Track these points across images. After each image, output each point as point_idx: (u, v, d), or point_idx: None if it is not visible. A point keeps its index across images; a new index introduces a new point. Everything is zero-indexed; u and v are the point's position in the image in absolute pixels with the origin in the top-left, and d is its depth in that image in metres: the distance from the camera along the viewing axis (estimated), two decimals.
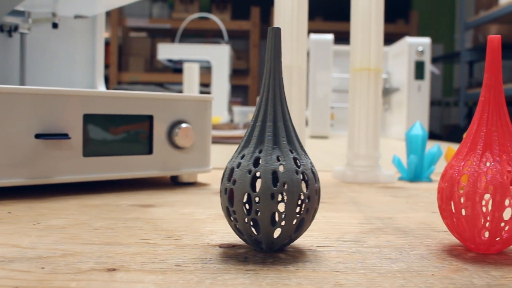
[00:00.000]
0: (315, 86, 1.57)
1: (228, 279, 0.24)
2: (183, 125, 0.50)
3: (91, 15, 0.66)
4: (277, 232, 0.27)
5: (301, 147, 0.28)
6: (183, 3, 3.20)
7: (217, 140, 1.19)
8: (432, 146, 0.63)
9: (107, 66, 3.33)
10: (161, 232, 0.33)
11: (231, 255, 0.28)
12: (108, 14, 3.29)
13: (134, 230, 0.33)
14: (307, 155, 0.29)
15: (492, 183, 0.27)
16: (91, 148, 0.46)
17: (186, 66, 1.61)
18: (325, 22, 3.36)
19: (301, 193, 0.27)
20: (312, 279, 0.24)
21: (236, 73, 3.13)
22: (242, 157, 0.28)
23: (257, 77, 3.26)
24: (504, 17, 2.25)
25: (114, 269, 0.25)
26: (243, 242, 0.30)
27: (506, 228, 0.28)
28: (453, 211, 0.29)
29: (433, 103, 3.36)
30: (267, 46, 0.29)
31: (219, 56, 1.95)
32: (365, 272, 0.25)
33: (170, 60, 2.05)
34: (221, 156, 0.90)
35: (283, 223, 0.27)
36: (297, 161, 0.27)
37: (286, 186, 0.26)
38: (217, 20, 2.13)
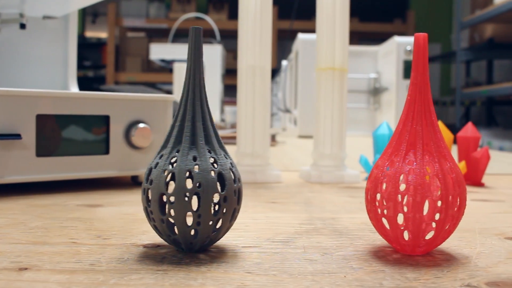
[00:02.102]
0: (304, 86, 1.56)
1: (134, 279, 0.24)
2: (140, 125, 0.50)
3: (59, 16, 0.66)
4: (194, 233, 0.27)
5: (221, 147, 0.28)
6: (180, 3, 3.21)
7: None
8: None
9: (104, 66, 3.34)
10: (93, 232, 0.33)
11: (150, 255, 0.28)
12: (105, 14, 3.30)
13: (67, 230, 0.33)
14: (228, 156, 0.28)
15: (413, 183, 0.27)
16: (44, 148, 0.46)
17: (176, 66, 1.61)
18: None
19: (217, 194, 0.27)
20: (218, 280, 0.24)
21: (233, 72, 3.13)
22: (160, 157, 0.28)
23: None
24: (499, 16, 2.24)
25: (26, 269, 0.25)
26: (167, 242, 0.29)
27: (428, 229, 0.28)
28: (378, 212, 0.28)
29: None
30: (188, 46, 0.28)
31: (211, 56, 1.94)
32: (277, 274, 0.25)
33: (163, 60, 2.05)
34: None
35: (198, 223, 0.27)
36: (215, 162, 0.27)
37: (200, 186, 0.26)
38: (209, 20, 2.13)
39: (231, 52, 3.19)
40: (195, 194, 0.26)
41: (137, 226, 0.35)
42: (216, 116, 1.98)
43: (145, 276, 0.24)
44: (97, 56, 3.47)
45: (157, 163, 0.27)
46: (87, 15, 3.65)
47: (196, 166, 0.27)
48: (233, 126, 1.42)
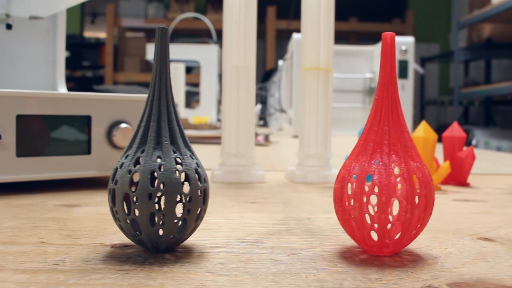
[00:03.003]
0: (299, 86, 1.56)
1: (94, 278, 0.24)
2: (122, 125, 0.50)
3: (46, 16, 0.66)
4: (158, 232, 0.27)
5: (187, 147, 0.28)
6: (179, 3, 3.21)
7: (195, 140, 1.19)
8: None
9: (102, 66, 3.34)
10: (64, 232, 0.33)
11: (116, 255, 0.28)
12: (104, 14, 3.31)
13: (39, 230, 0.33)
14: (194, 156, 0.28)
15: (378, 184, 0.27)
16: (25, 149, 0.46)
17: (171, 66, 1.62)
18: None
19: (181, 194, 0.27)
20: (178, 280, 0.24)
21: None
22: (126, 157, 0.28)
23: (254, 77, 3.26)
24: (497, 16, 2.23)
25: None
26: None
27: (394, 230, 0.28)
28: (344, 212, 0.28)
29: (429, 102, 3.35)
30: (154, 46, 0.28)
31: (208, 56, 1.94)
32: (238, 274, 0.25)
33: None
34: None
35: (162, 223, 0.27)
36: (179, 162, 0.27)
37: (164, 186, 0.26)
38: (206, 20, 2.13)
39: None
40: (158, 194, 0.26)
41: (110, 226, 0.35)
42: (212, 116, 1.98)
43: (105, 276, 0.24)
44: (96, 56, 3.48)
45: (122, 163, 0.27)
46: (86, 15, 3.65)
47: (160, 166, 0.27)
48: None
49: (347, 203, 0.28)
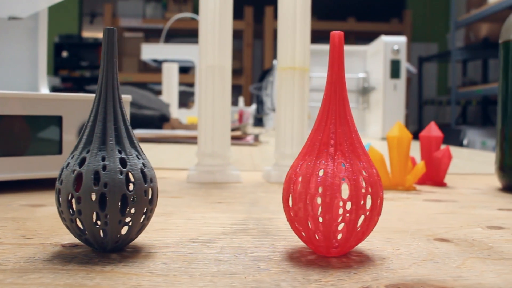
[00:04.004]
0: None
1: (32, 278, 0.24)
2: None
3: (25, 16, 0.66)
4: (102, 232, 0.27)
5: (134, 147, 0.28)
6: (177, 3, 3.21)
7: (184, 140, 1.19)
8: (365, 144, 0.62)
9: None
10: (19, 232, 0.33)
11: (63, 255, 0.28)
12: (102, 14, 3.32)
13: None
14: (141, 156, 0.28)
15: (323, 184, 0.27)
16: None
17: (164, 66, 1.62)
18: (319, 21, 3.34)
19: (125, 194, 0.27)
20: (115, 280, 0.24)
21: None
22: (72, 158, 0.28)
23: (250, 77, 3.26)
24: (493, 15, 2.23)
25: None
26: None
27: (339, 230, 0.28)
28: (291, 213, 0.28)
29: (427, 102, 3.34)
30: (102, 46, 0.28)
31: None
32: (177, 274, 0.25)
33: (155, 60, 2.06)
34: (171, 156, 0.90)
35: (106, 223, 0.27)
36: (124, 162, 0.27)
37: (107, 186, 0.26)
38: None
39: None
40: (102, 194, 0.26)
41: None
42: None
43: (45, 276, 0.24)
44: (94, 56, 3.48)
45: (68, 163, 0.27)
46: (85, 16, 3.66)
47: (105, 166, 0.27)
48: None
49: (292, 203, 0.28)
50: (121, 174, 0.27)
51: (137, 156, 0.28)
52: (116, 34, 0.28)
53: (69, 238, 0.31)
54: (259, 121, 2.12)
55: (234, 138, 1.17)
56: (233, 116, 2.00)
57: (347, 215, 0.27)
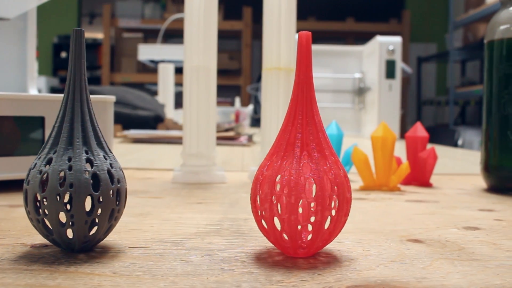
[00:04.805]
0: None
1: None
2: None
3: (12, 17, 0.66)
4: (69, 233, 0.27)
5: (102, 148, 0.28)
6: (175, 4, 3.21)
7: (176, 141, 1.19)
8: (350, 145, 0.62)
9: (99, 67, 3.36)
10: None
11: (30, 255, 0.28)
12: (101, 14, 3.32)
13: None
14: (109, 157, 0.28)
15: (288, 184, 0.27)
16: None
17: (160, 67, 1.62)
18: (318, 22, 3.34)
19: (91, 194, 0.27)
20: (77, 280, 0.24)
21: (228, 73, 3.13)
22: (39, 158, 0.28)
23: (249, 77, 3.26)
24: (491, 15, 2.22)
25: None
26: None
27: (305, 231, 0.28)
28: (258, 213, 0.28)
29: (426, 102, 3.34)
30: (70, 47, 0.28)
31: None
32: (141, 275, 0.25)
33: (152, 61, 2.06)
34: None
35: (72, 223, 0.27)
36: (90, 162, 0.27)
37: (72, 187, 0.26)
38: None
39: (226, 52, 3.20)
40: (67, 194, 0.26)
41: None
42: None
43: (7, 276, 0.24)
44: (93, 56, 3.49)
45: (36, 164, 0.28)
46: (84, 16, 3.67)
47: (70, 167, 0.27)
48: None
49: (258, 204, 0.28)
50: (86, 174, 0.27)
51: (104, 156, 0.28)
52: (84, 35, 0.28)
53: (40, 239, 0.31)
54: (256, 122, 2.12)
55: (227, 138, 1.17)
56: (230, 117, 2.00)
57: (313, 216, 0.27)
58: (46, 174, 0.27)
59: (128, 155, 0.93)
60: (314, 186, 0.27)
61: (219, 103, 2.73)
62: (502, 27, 0.54)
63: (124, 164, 0.76)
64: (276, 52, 0.58)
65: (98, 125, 0.29)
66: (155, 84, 3.04)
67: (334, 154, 0.29)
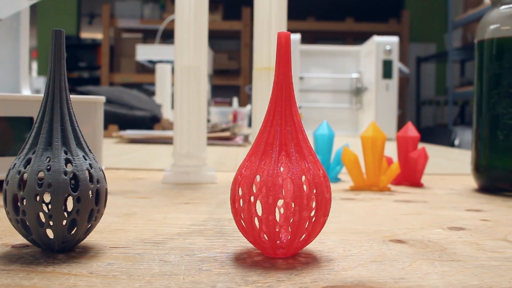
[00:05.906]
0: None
1: None
2: None
3: (4, 17, 0.66)
4: (48, 233, 0.27)
5: (81, 148, 0.28)
6: (175, 4, 3.21)
7: (171, 141, 1.19)
8: (341, 145, 0.62)
9: (99, 67, 3.36)
10: None
11: (10, 255, 0.28)
12: (100, 15, 3.32)
13: None
14: (89, 157, 0.28)
15: (265, 184, 0.27)
16: None
17: (158, 67, 1.62)
18: (318, 22, 3.34)
19: (69, 194, 0.27)
20: (53, 280, 0.24)
21: (227, 73, 3.13)
22: (18, 158, 0.28)
23: (248, 77, 3.26)
24: None
25: None
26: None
27: (283, 232, 0.28)
28: (237, 214, 0.28)
29: (425, 102, 3.34)
30: (50, 48, 0.28)
31: None
32: (118, 275, 0.25)
33: (150, 61, 2.06)
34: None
35: (51, 224, 0.27)
36: (69, 163, 0.27)
37: (51, 187, 0.26)
38: None
39: (225, 52, 3.20)
40: (45, 195, 0.26)
41: None
42: None
43: None
44: (93, 57, 3.49)
45: (15, 164, 0.28)
46: (83, 16, 3.67)
47: (49, 167, 0.27)
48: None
49: (237, 205, 0.28)
50: (65, 174, 0.27)
51: (83, 157, 0.28)
52: (64, 36, 0.29)
53: (22, 239, 0.31)
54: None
55: (223, 138, 1.17)
56: (228, 117, 2.01)
57: (290, 216, 0.27)
58: (25, 174, 0.27)
59: (123, 155, 0.94)
60: (290, 186, 0.27)
61: (218, 103, 2.73)
62: (492, 27, 0.54)
63: (118, 164, 0.76)
64: (267, 52, 0.58)
65: (78, 126, 0.29)
66: (154, 84, 3.04)
67: (313, 154, 0.29)
